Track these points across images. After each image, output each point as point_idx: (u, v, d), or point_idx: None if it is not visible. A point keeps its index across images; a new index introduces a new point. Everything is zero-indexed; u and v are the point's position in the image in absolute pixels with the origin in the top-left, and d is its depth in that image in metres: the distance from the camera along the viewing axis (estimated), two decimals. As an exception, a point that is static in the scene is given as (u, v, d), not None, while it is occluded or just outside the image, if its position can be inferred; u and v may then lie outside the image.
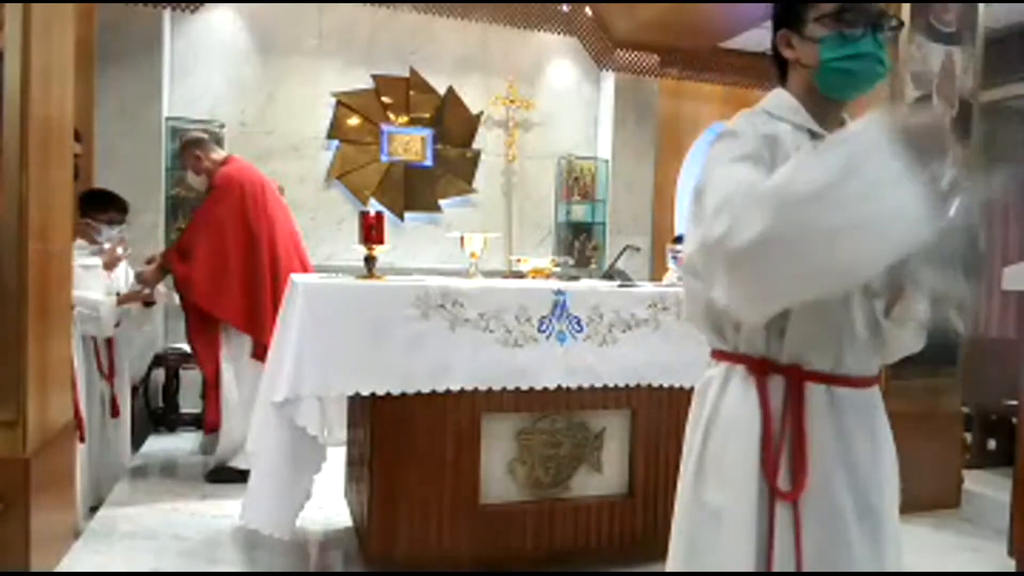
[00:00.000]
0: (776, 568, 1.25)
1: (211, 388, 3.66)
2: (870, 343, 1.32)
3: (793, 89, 1.40)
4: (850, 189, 0.97)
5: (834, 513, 1.27)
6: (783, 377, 1.29)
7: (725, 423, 1.33)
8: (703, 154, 1.38)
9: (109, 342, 3.46)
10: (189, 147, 3.82)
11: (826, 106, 1.37)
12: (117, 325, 3.50)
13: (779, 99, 1.41)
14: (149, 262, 3.64)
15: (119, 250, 3.53)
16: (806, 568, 1.25)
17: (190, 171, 3.81)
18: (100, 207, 3.54)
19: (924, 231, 0.99)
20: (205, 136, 3.96)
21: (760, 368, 1.29)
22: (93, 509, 3.33)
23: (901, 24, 1.32)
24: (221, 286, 3.53)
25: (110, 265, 3.49)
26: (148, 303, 3.63)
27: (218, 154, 3.83)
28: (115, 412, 3.44)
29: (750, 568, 1.26)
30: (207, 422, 3.71)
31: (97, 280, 3.37)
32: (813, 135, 1.35)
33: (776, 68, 1.43)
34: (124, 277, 3.68)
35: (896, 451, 1.40)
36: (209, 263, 3.53)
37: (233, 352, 3.65)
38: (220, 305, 3.55)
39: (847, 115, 1.42)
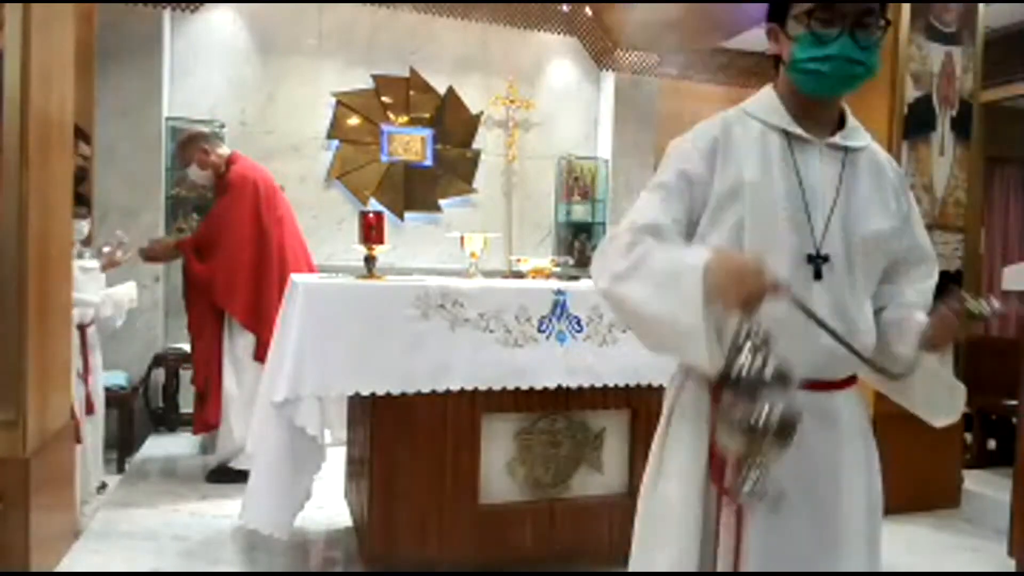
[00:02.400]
0: (720, 566, 1.28)
1: (203, 390, 3.64)
2: (840, 354, 1.29)
3: (779, 86, 1.40)
4: (655, 307, 1.23)
5: (784, 520, 1.27)
6: None
7: (679, 421, 1.39)
8: None
9: (83, 341, 3.43)
10: (194, 141, 3.80)
11: (811, 104, 1.36)
12: (90, 323, 3.50)
13: (762, 97, 1.42)
14: (180, 230, 3.68)
15: (119, 253, 3.52)
16: (749, 566, 1.27)
17: (194, 165, 3.77)
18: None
19: (703, 366, 1.20)
20: (208, 131, 3.95)
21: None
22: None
23: (887, 23, 1.31)
24: (235, 284, 3.55)
25: (108, 268, 3.49)
26: (114, 264, 3.55)
27: (224, 150, 3.83)
28: (89, 408, 3.41)
29: (694, 560, 1.30)
30: (199, 422, 3.69)
31: (96, 283, 3.37)
32: (789, 136, 1.35)
33: (772, 62, 1.43)
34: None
35: (878, 450, 1.41)
36: (226, 262, 3.56)
37: (236, 352, 3.64)
38: (233, 303, 3.57)
39: (849, 113, 1.41)
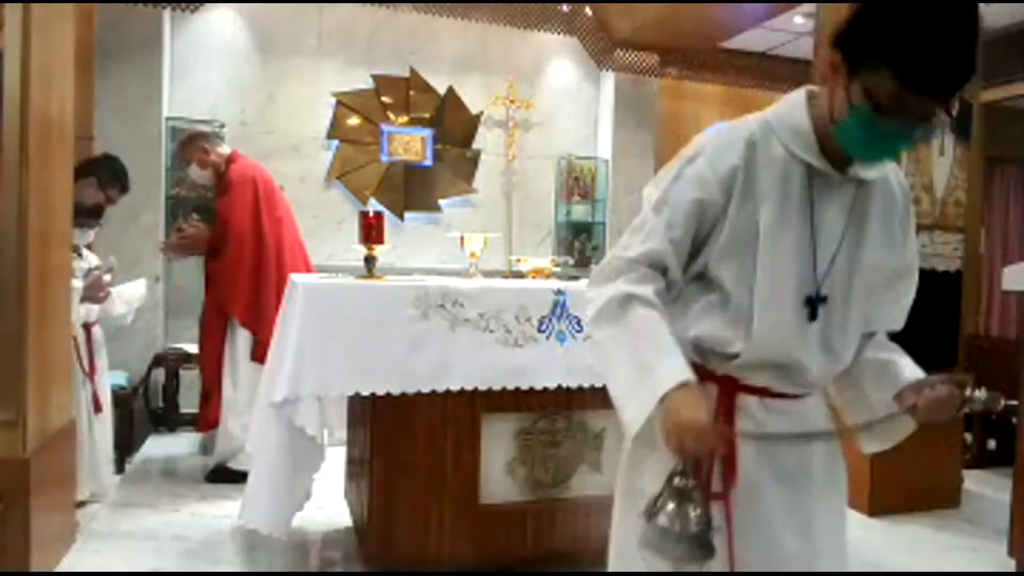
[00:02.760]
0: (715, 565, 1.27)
1: (208, 388, 3.66)
2: (823, 372, 1.34)
3: (818, 106, 1.27)
4: (617, 373, 1.27)
5: (763, 510, 1.29)
6: (716, 386, 1.33)
7: (640, 443, 1.34)
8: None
9: (89, 340, 3.43)
10: (194, 140, 3.80)
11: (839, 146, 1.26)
12: (95, 322, 3.52)
13: (794, 115, 1.29)
14: (180, 229, 3.75)
15: (106, 278, 3.45)
16: (740, 563, 1.28)
17: (194, 165, 3.77)
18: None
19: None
20: (208, 131, 3.94)
21: (696, 374, 1.26)
22: (79, 505, 3.30)
23: (950, 118, 1.19)
24: (235, 284, 3.56)
25: (93, 289, 3.36)
26: (99, 300, 3.47)
27: (224, 149, 3.83)
28: (97, 408, 3.42)
29: None
30: (203, 421, 3.70)
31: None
32: (810, 168, 1.27)
33: (809, 66, 1.35)
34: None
35: (842, 448, 1.44)
36: (227, 262, 3.57)
37: (234, 353, 3.65)
38: (233, 302, 3.58)
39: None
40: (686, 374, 1.20)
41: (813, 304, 1.29)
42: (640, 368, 1.22)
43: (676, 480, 1.16)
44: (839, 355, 1.34)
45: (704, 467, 1.25)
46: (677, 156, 1.35)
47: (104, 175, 3.50)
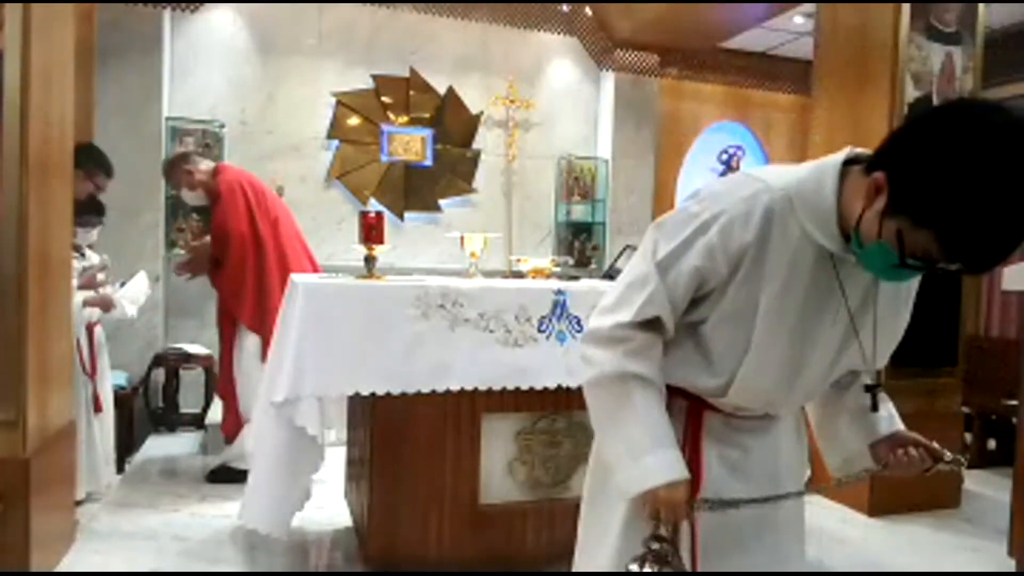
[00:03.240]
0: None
1: (223, 394, 3.68)
2: (795, 407, 1.43)
3: (851, 189, 1.17)
4: (610, 438, 1.37)
5: (727, 509, 1.32)
6: (686, 403, 1.37)
7: None
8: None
9: (91, 340, 3.43)
10: (177, 164, 3.80)
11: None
12: (97, 322, 3.53)
13: (822, 192, 1.19)
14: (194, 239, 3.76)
15: (100, 276, 3.49)
16: (701, 560, 1.34)
17: (184, 188, 3.78)
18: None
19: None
20: (189, 150, 3.93)
21: (668, 389, 1.34)
22: (78, 504, 3.30)
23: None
24: (242, 290, 3.58)
25: (85, 286, 3.42)
26: (106, 309, 3.52)
27: (207, 164, 3.82)
28: (98, 407, 3.43)
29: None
30: (226, 425, 3.72)
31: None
32: (820, 250, 1.21)
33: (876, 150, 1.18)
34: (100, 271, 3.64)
35: (806, 443, 1.50)
36: (231, 270, 3.59)
37: (242, 358, 3.64)
38: (241, 308, 3.59)
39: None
40: (676, 473, 1.26)
41: (799, 376, 1.31)
42: (633, 450, 1.29)
43: (654, 545, 1.26)
44: (814, 397, 1.42)
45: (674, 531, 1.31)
46: (689, 209, 1.27)
47: (86, 164, 3.45)
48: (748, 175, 1.28)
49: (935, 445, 1.36)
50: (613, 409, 1.32)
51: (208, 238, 3.73)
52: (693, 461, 1.33)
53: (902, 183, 1.06)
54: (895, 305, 1.32)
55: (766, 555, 1.39)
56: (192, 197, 3.82)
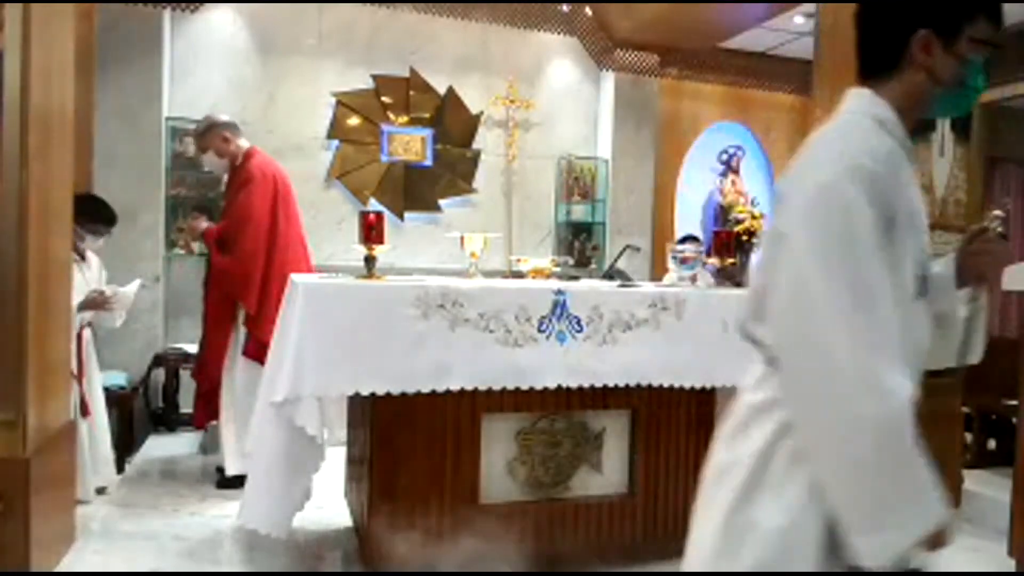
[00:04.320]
0: None
1: (203, 382, 3.63)
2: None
3: (896, 94, 1.25)
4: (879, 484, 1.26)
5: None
6: None
7: (793, 451, 1.25)
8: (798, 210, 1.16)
9: (79, 342, 3.42)
10: (217, 128, 3.69)
11: (912, 123, 1.27)
12: (90, 324, 3.54)
13: (880, 108, 1.25)
14: (195, 218, 3.74)
15: (106, 291, 3.49)
16: None
17: (211, 152, 3.69)
18: (88, 214, 3.45)
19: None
20: (233, 120, 3.84)
21: None
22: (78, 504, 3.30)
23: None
24: (250, 277, 3.51)
25: (92, 307, 3.45)
26: (106, 308, 3.51)
27: (243, 141, 3.75)
28: (84, 412, 3.40)
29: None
30: (198, 419, 3.69)
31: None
32: (906, 154, 1.25)
33: (870, 62, 1.28)
34: (98, 276, 3.64)
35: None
36: (244, 255, 3.52)
37: (237, 350, 3.61)
38: (248, 295, 3.51)
39: None
40: (942, 513, 1.30)
41: (921, 280, 1.26)
42: (923, 487, 1.28)
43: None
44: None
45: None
46: (822, 223, 1.15)
47: (86, 219, 3.42)
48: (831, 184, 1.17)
49: (974, 227, 1.38)
50: (910, 446, 1.21)
51: (203, 221, 3.69)
52: None
53: (944, 14, 1.22)
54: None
55: None
56: (215, 164, 3.74)
